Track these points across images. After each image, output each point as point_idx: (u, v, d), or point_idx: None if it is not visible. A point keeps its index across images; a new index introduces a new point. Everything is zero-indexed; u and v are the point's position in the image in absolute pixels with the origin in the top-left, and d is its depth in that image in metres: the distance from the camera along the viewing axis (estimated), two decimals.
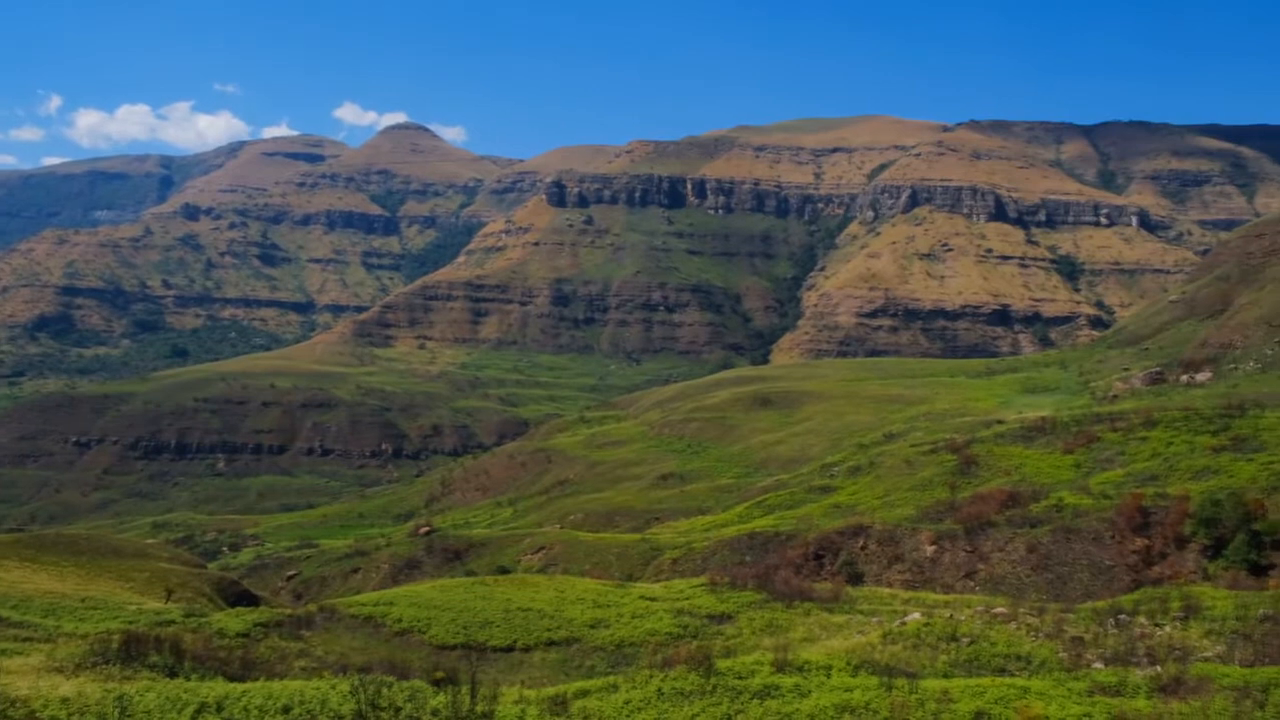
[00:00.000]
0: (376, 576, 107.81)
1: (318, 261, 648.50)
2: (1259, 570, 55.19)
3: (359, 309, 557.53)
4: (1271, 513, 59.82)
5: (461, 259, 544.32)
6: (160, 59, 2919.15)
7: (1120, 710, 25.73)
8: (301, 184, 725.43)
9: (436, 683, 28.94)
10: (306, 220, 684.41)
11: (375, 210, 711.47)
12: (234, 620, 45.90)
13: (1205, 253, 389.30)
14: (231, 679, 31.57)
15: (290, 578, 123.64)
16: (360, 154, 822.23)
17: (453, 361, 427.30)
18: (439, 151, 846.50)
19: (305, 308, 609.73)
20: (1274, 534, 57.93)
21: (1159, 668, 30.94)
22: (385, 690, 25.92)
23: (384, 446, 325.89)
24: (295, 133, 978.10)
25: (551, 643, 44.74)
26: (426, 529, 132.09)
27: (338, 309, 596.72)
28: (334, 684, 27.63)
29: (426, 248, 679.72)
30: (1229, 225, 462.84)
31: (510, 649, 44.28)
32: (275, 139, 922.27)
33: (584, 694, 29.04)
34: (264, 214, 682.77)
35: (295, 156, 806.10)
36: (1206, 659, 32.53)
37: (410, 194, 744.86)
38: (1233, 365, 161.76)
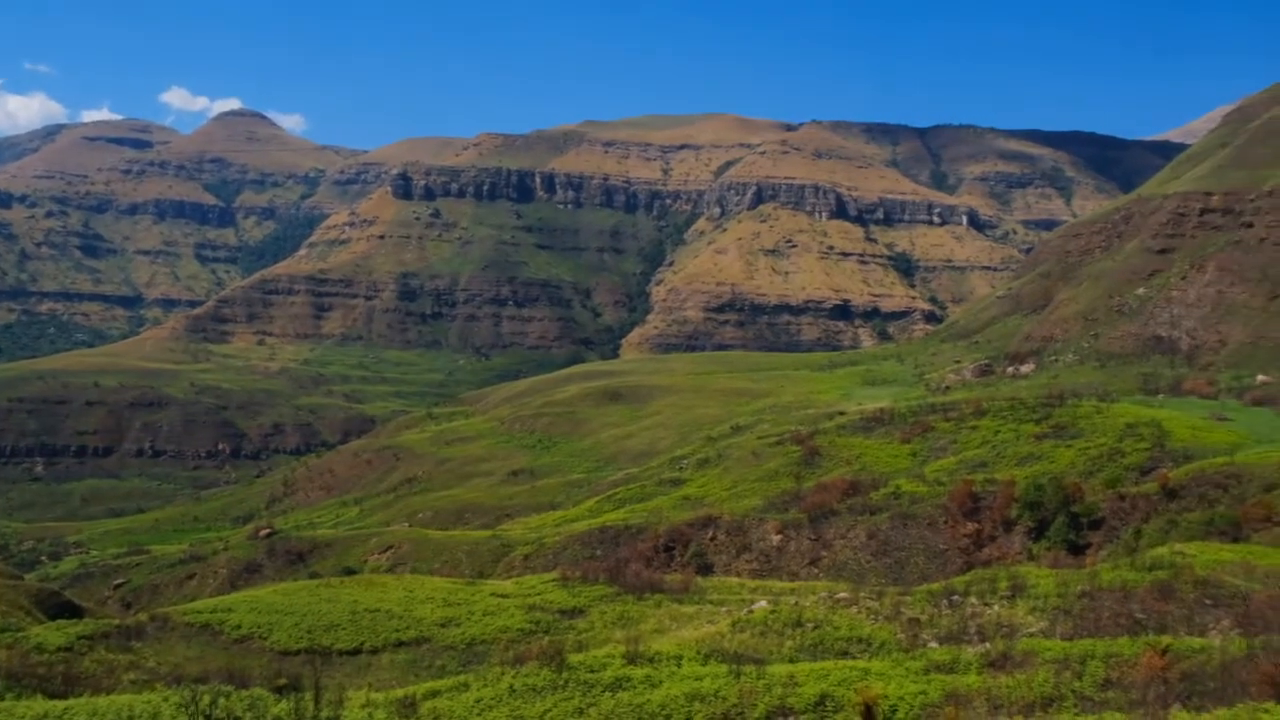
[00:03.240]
0: (214, 582, 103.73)
1: (146, 253, 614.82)
2: (1077, 549, 58.99)
3: (192, 303, 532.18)
4: (1088, 495, 64.06)
5: (303, 252, 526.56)
6: None
7: (953, 686, 26.96)
8: (128, 171, 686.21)
9: (278, 690, 28.04)
10: (134, 210, 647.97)
11: (209, 200, 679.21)
12: (54, 633, 43.33)
13: (1029, 251, 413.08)
14: (52, 696, 29.80)
15: (118, 586, 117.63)
16: (192, 141, 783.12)
17: (294, 358, 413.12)
18: (277, 140, 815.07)
19: (133, 302, 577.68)
20: (1090, 515, 62.07)
21: (988, 644, 32.61)
22: (223, 700, 24.95)
23: (221, 447, 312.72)
24: (119, 117, 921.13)
25: (400, 643, 43.90)
26: (267, 531, 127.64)
27: (169, 303, 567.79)
28: (166, 696, 26.45)
29: (265, 240, 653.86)
30: (1049, 225, 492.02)
31: (357, 652, 43.22)
32: (97, 123, 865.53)
33: (434, 694, 28.62)
34: (86, 202, 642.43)
35: (120, 142, 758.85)
36: (1031, 634, 34.51)
37: (247, 184, 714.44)
38: (1054, 357, 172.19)
